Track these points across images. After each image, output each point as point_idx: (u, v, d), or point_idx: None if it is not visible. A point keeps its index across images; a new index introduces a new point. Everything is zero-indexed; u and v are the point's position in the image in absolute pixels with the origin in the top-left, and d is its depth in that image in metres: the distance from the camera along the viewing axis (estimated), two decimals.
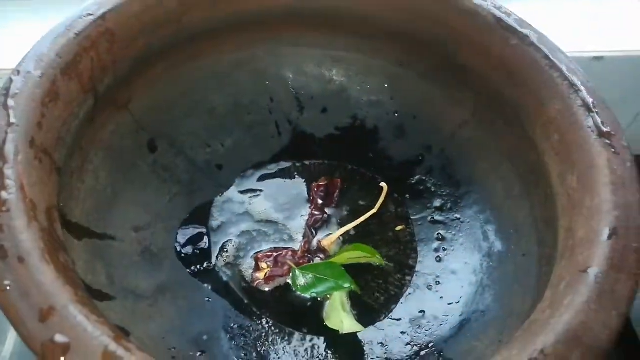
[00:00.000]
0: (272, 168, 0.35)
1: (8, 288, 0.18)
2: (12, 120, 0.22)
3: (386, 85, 0.35)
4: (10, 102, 0.23)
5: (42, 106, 0.23)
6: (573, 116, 0.25)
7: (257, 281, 0.30)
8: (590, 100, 0.25)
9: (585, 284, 0.20)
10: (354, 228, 0.32)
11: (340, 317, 0.28)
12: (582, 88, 0.26)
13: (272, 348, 0.27)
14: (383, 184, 0.33)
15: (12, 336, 0.32)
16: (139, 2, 0.28)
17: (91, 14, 0.27)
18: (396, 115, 0.35)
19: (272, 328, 0.28)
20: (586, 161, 0.24)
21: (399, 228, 0.32)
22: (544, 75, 0.27)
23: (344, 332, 0.27)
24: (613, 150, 0.24)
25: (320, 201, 0.33)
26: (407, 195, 0.34)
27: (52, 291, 0.18)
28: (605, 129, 0.24)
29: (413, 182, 0.34)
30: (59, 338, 0.17)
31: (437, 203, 0.33)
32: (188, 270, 0.30)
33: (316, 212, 0.33)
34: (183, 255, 0.30)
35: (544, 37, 0.28)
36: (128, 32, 0.28)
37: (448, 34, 0.31)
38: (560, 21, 0.52)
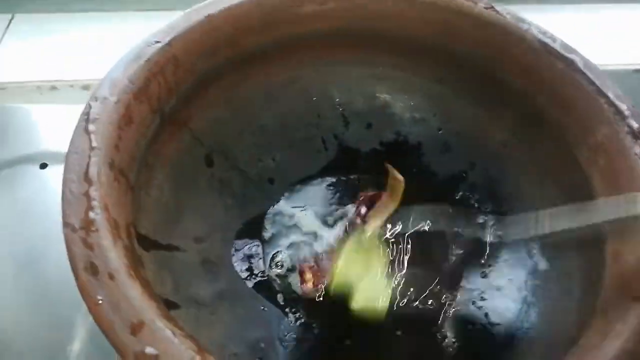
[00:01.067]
0: (319, 182, 0.37)
1: (101, 302, 0.20)
2: (94, 144, 0.24)
3: (429, 103, 0.37)
4: (91, 127, 0.25)
5: (118, 129, 0.25)
6: (620, 142, 0.26)
7: (305, 290, 0.32)
8: (637, 126, 0.26)
9: (635, 312, 0.21)
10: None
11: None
12: (629, 114, 0.27)
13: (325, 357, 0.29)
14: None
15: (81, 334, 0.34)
16: (199, 29, 0.30)
17: (159, 41, 0.29)
18: (440, 131, 0.36)
19: (324, 337, 0.30)
20: (634, 188, 0.25)
21: None
22: (590, 101, 0.28)
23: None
24: None
25: (363, 210, 0.35)
26: (451, 211, 0.35)
27: (140, 306, 0.20)
28: None
29: (457, 198, 0.35)
30: (150, 350, 0.19)
31: (481, 219, 0.34)
32: (244, 279, 0.31)
33: (357, 220, 0.34)
34: (239, 265, 0.32)
35: (589, 62, 0.29)
36: (190, 56, 0.30)
37: (490, 54, 0.32)
38: (599, 33, 0.52)
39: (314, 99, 0.37)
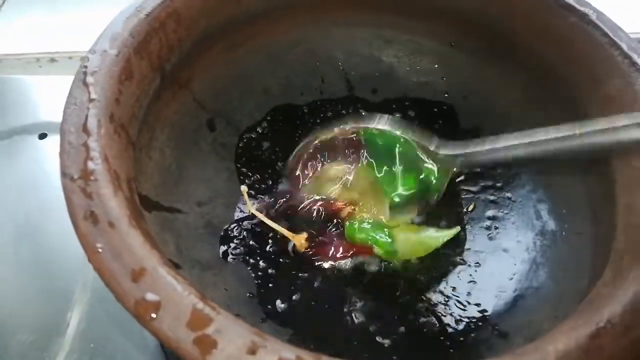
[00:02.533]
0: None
1: (100, 250, 0.19)
2: (93, 96, 0.24)
3: (436, 66, 0.36)
4: (90, 79, 0.24)
5: (119, 83, 0.25)
6: (635, 94, 0.25)
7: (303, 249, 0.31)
8: None
9: None
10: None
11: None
12: None
13: (328, 313, 0.29)
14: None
15: (79, 304, 0.34)
16: None
17: None
18: (446, 95, 0.36)
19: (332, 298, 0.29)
20: None
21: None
22: (604, 53, 0.27)
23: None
24: None
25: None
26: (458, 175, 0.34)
27: (141, 253, 0.19)
28: None
29: None
30: (151, 296, 0.18)
31: (489, 182, 0.33)
32: (249, 241, 0.31)
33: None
34: (243, 228, 0.31)
35: (602, 15, 0.28)
36: (192, 12, 0.29)
37: (501, 12, 0.31)
38: (615, 2, 0.51)
39: (318, 63, 0.36)
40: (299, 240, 0.30)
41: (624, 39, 0.27)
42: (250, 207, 0.31)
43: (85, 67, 0.25)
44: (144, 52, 0.26)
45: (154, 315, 0.18)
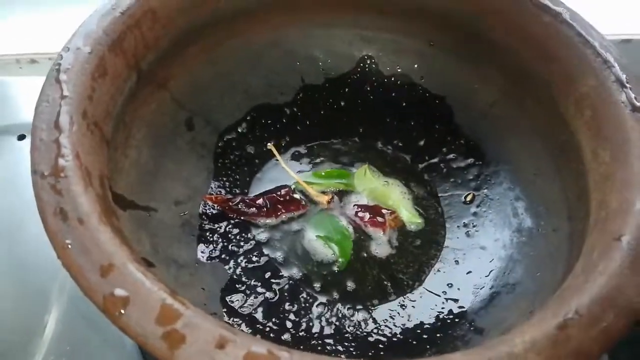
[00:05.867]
0: (303, 147, 0.36)
1: (69, 246, 0.19)
2: (65, 93, 0.23)
3: (416, 66, 0.36)
4: (63, 77, 0.24)
5: (92, 80, 0.24)
6: (606, 92, 0.26)
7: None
8: (623, 75, 0.26)
9: (618, 250, 0.20)
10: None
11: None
12: (615, 64, 0.26)
13: (308, 315, 0.28)
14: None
15: (58, 304, 0.33)
16: None
17: None
18: (427, 95, 0.36)
19: (309, 299, 0.29)
20: (619, 135, 0.24)
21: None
22: (577, 52, 0.27)
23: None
24: None
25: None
26: (436, 174, 0.34)
27: (110, 249, 0.19)
28: (638, 104, 0.25)
29: (441, 160, 0.34)
30: (119, 292, 0.18)
31: (466, 181, 0.33)
32: (226, 242, 0.31)
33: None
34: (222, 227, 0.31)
35: (576, 14, 0.29)
36: (168, 11, 0.29)
37: (479, 12, 0.31)
38: (588, 3, 0.52)
39: (297, 63, 0.36)
40: (323, 199, 0.33)
41: (596, 37, 0.27)
42: (282, 161, 0.33)
43: (59, 64, 0.24)
44: (118, 50, 0.26)
45: (122, 311, 0.18)
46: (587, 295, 0.19)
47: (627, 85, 0.25)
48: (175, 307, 0.18)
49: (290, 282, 0.30)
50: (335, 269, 0.30)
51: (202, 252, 0.30)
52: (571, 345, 0.18)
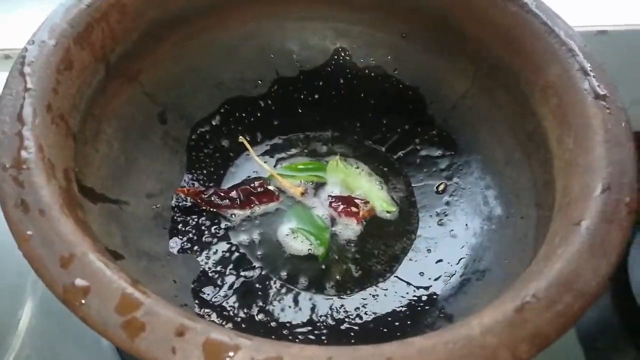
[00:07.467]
0: (277, 139, 0.36)
1: (30, 238, 0.19)
2: (29, 85, 0.23)
3: (389, 57, 0.36)
4: (27, 69, 0.24)
5: (57, 73, 0.24)
6: (571, 80, 0.26)
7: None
8: (587, 64, 0.26)
9: (577, 235, 0.21)
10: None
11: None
12: (579, 52, 0.27)
13: (280, 305, 0.29)
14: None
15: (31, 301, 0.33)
16: None
17: None
18: (400, 87, 0.36)
19: (282, 289, 0.29)
20: (582, 122, 0.25)
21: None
22: (543, 41, 0.28)
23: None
24: (608, 111, 0.24)
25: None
26: (410, 164, 0.35)
27: (72, 240, 0.19)
28: (601, 92, 0.25)
29: (414, 151, 0.35)
30: (79, 282, 0.18)
31: (438, 171, 0.34)
32: (198, 234, 0.31)
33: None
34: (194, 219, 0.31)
35: (542, 3, 0.29)
36: (137, 3, 0.29)
37: (447, 4, 0.31)
38: None
39: (272, 56, 0.36)
40: (297, 191, 0.33)
41: (561, 26, 0.28)
42: (253, 154, 0.34)
43: (23, 57, 0.24)
44: (84, 43, 0.26)
45: (83, 301, 0.18)
46: (545, 279, 0.19)
47: (591, 73, 0.26)
48: (135, 296, 0.18)
49: (262, 273, 0.30)
50: (311, 259, 0.30)
51: (174, 244, 0.30)
52: (528, 327, 0.18)
